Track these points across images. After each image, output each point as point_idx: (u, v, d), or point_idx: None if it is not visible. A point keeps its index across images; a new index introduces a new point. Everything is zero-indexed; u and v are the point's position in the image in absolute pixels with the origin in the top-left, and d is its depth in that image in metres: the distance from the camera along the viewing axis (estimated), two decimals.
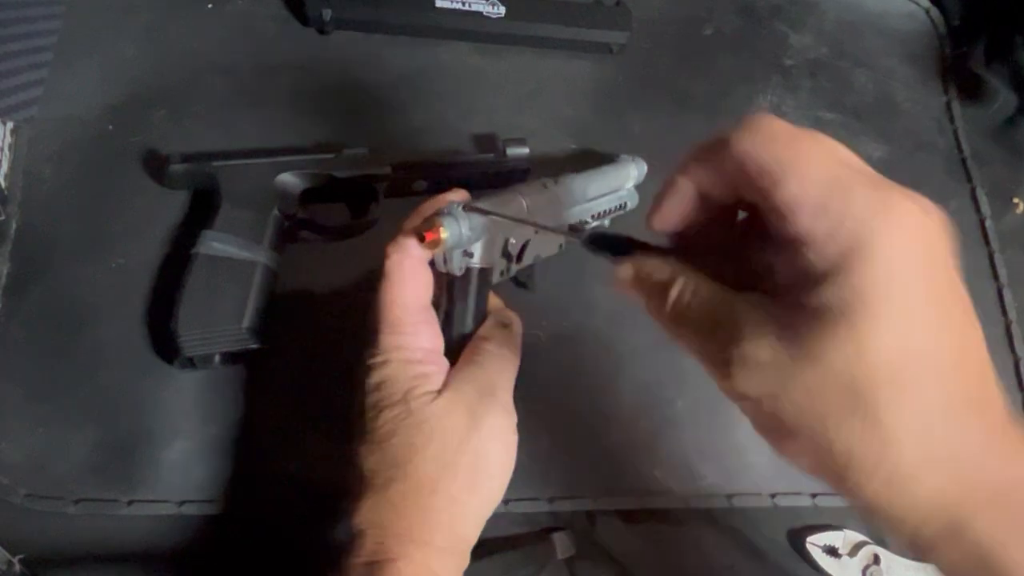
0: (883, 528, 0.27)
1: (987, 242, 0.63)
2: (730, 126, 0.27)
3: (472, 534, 0.39)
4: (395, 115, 0.60)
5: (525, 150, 0.57)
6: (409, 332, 0.40)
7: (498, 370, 0.40)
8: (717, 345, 0.27)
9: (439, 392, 0.39)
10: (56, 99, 0.57)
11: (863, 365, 0.24)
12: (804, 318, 0.25)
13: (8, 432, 0.47)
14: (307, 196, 0.53)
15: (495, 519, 0.48)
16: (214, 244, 0.49)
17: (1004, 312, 0.61)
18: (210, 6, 0.63)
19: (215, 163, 0.52)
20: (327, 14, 0.61)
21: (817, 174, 0.25)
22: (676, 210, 0.30)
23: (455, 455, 0.38)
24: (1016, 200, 0.66)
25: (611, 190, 0.54)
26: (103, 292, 0.51)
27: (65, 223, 0.53)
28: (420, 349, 0.40)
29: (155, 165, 0.55)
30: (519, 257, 0.46)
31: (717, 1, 0.71)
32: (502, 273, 0.45)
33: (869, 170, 0.26)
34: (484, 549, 0.47)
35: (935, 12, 0.74)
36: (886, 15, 0.73)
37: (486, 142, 0.60)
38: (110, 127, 0.57)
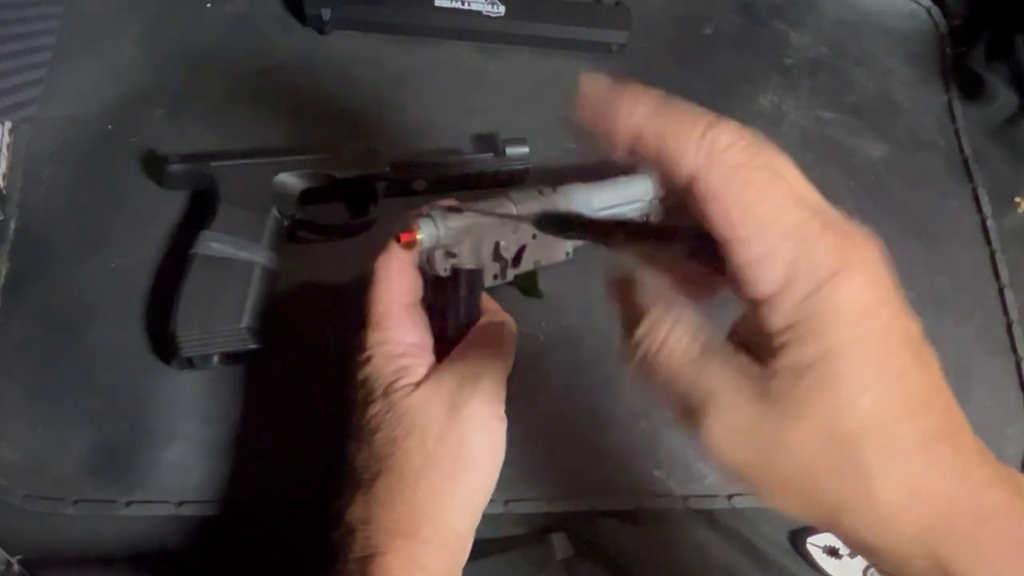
0: (873, 565, 0.27)
1: (988, 242, 0.63)
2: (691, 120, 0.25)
3: (462, 526, 0.39)
4: (394, 115, 0.60)
5: (525, 149, 0.57)
6: (392, 328, 0.41)
7: (483, 361, 0.40)
8: (692, 406, 0.26)
9: (419, 384, 0.40)
10: (55, 99, 0.57)
11: (848, 421, 0.25)
12: (780, 379, 0.25)
13: (7, 432, 0.47)
14: (306, 196, 0.53)
15: (494, 520, 0.48)
16: (212, 244, 0.49)
17: (1005, 312, 0.61)
18: (209, 6, 0.63)
19: (213, 163, 0.52)
20: (326, 14, 0.61)
21: (783, 224, 0.24)
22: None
23: (436, 445, 0.38)
24: (1017, 200, 0.66)
25: (623, 201, 0.53)
26: (101, 292, 0.51)
27: (64, 223, 0.53)
28: (403, 343, 0.41)
29: (154, 165, 0.54)
30: (516, 261, 0.46)
31: (717, 0, 0.71)
32: (496, 276, 0.45)
33: (818, 202, 0.26)
34: (483, 550, 0.47)
35: (936, 11, 0.74)
36: (886, 14, 0.73)
37: (486, 142, 0.60)
38: (109, 127, 0.56)
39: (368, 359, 0.41)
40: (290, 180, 0.52)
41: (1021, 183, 0.67)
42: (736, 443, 0.26)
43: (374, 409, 0.40)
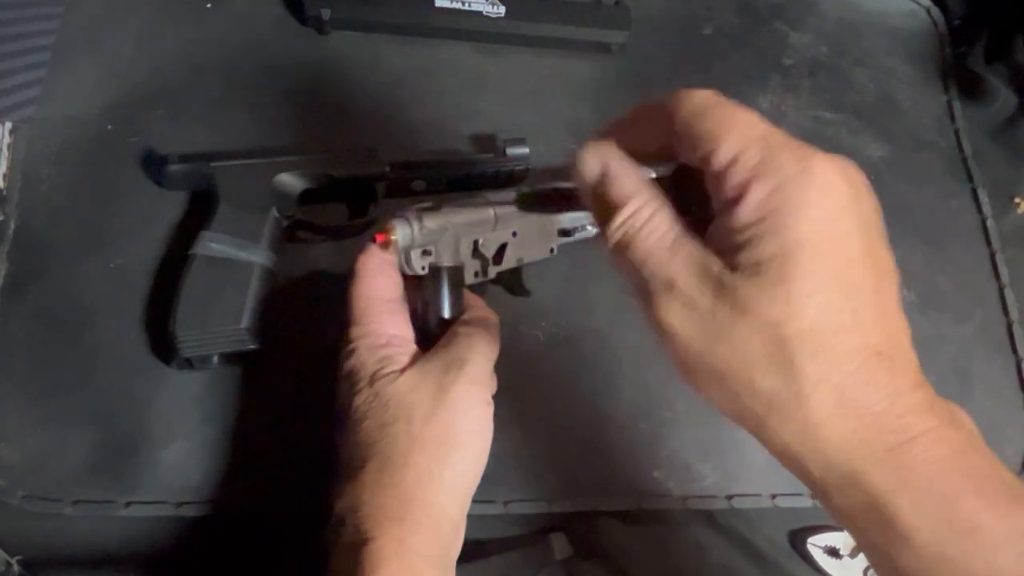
0: (792, 472, 0.28)
1: (988, 242, 0.63)
2: (662, 98, 0.29)
3: (452, 509, 0.39)
4: (394, 115, 0.60)
5: (525, 150, 0.57)
6: (373, 322, 0.42)
7: (468, 348, 0.41)
8: (654, 288, 0.28)
9: (403, 370, 0.40)
10: (54, 99, 0.57)
11: (792, 320, 0.26)
12: (738, 273, 0.26)
13: (6, 433, 0.47)
14: (305, 196, 0.53)
15: (494, 520, 0.48)
16: (212, 245, 0.49)
17: (1006, 312, 0.61)
18: (209, 6, 0.63)
19: (213, 163, 0.52)
20: (326, 14, 0.61)
21: (750, 135, 0.27)
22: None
23: (422, 428, 0.38)
24: (1017, 199, 0.66)
25: None
26: (101, 293, 0.51)
27: (63, 223, 0.53)
28: (385, 335, 0.42)
29: (154, 165, 0.54)
30: (497, 259, 0.46)
31: (717, 0, 0.71)
32: (477, 274, 0.46)
33: (792, 138, 0.28)
34: (483, 550, 0.47)
35: (936, 11, 0.74)
36: (886, 14, 0.73)
37: (486, 142, 0.60)
38: (109, 127, 0.56)
39: (352, 352, 0.42)
40: (290, 180, 0.52)
41: (1021, 183, 0.67)
42: (686, 326, 0.28)
43: (360, 399, 0.40)
